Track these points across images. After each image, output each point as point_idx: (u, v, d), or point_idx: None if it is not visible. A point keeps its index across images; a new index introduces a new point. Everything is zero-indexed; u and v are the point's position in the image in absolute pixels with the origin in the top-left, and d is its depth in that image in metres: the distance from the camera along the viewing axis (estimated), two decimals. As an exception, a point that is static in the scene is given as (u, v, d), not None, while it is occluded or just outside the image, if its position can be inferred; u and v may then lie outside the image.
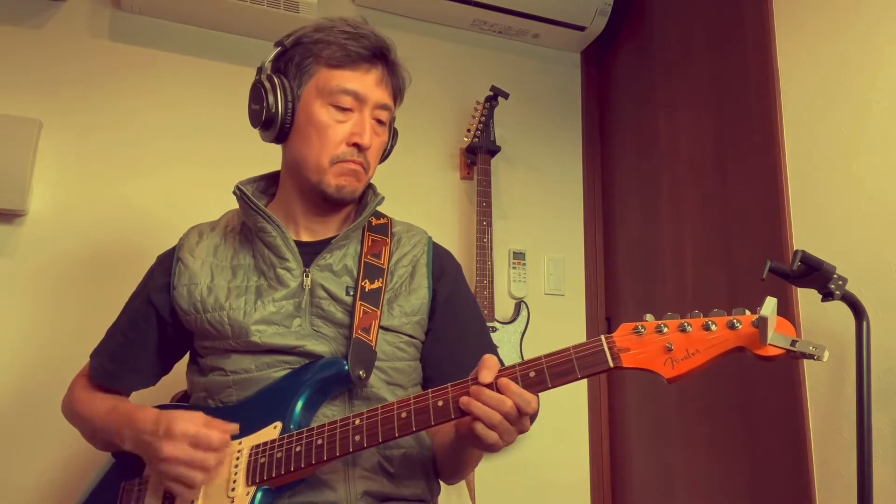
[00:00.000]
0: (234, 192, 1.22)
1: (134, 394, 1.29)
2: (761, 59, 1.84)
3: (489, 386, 0.96)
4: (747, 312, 0.91)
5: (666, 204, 2.17)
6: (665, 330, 0.93)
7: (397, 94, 1.26)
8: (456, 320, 1.25)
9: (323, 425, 1.03)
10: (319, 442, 1.01)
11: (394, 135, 1.31)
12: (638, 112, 2.36)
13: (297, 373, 1.11)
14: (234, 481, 1.04)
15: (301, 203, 1.24)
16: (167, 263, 1.25)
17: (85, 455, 1.67)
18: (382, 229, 1.27)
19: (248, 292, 1.17)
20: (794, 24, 1.76)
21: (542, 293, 2.34)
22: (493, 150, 2.25)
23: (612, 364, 0.93)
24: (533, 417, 0.98)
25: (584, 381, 2.24)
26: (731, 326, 0.91)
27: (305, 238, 1.24)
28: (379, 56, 1.21)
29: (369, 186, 1.29)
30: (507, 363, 1.00)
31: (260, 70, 1.21)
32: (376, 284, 1.18)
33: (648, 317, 0.94)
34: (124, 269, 1.77)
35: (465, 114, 2.35)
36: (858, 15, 1.60)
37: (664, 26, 2.29)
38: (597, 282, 2.42)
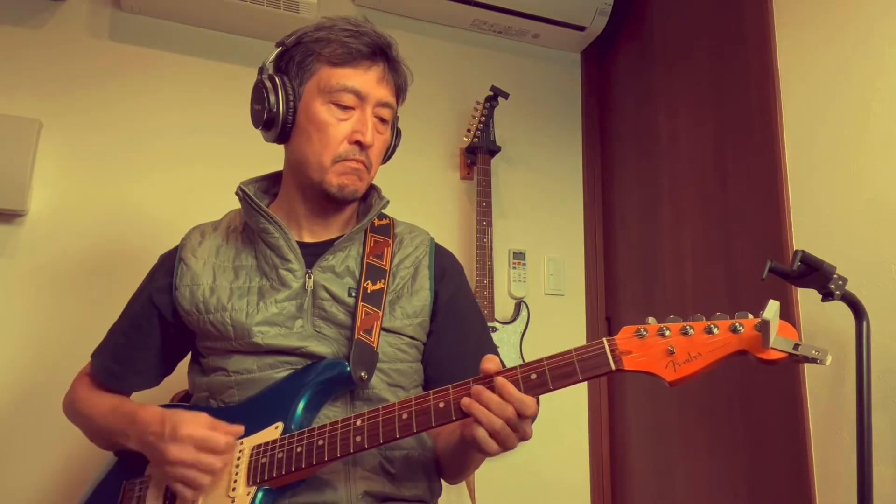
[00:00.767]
0: (237, 193, 1.22)
1: (135, 393, 1.29)
2: (761, 60, 1.84)
3: (489, 382, 0.96)
4: (750, 316, 0.91)
5: (666, 204, 2.17)
6: (667, 333, 0.92)
7: (399, 91, 1.25)
8: (458, 322, 1.25)
9: (324, 426, 1.03)
10: (320, 442, 1.01)
11: (397, 134, 1.30)
12: (638, 112, 2.36)
13: (299, 374, 1.11)
14: (235, 481, 1.04)
15: (303, 203, 1.23)
16: (169, 263, 1.25)
17: (85, 455, 1.67)
18: (385, 230, 1.27)
19: (250, 293, 1.17)
20: (795, 24, 1.76)
21: (542, 293, 2.34)
22: (493, 150, 2.24)
23: (613, 367, 0.93)
24: (532, 419, 0.98)
25: (585, 382, 2.23)
26: (734, 330, 0.90)
27: (308, 239, 1.24)
28: (380, 53, 1.20)
29: (374, 188, 1.28)
30: (507, 363, 1.00)
31: (261, 70, 1.21)
32: (378, 286, 1.18)
33: (651, 320, 0.94)
34: (124, 270, 1.78)
35: (464, 114, 2.35)
36: (858, 15, 1.60)
37: (664, 26, 2.28)
38: (597, 282, 2.42)
